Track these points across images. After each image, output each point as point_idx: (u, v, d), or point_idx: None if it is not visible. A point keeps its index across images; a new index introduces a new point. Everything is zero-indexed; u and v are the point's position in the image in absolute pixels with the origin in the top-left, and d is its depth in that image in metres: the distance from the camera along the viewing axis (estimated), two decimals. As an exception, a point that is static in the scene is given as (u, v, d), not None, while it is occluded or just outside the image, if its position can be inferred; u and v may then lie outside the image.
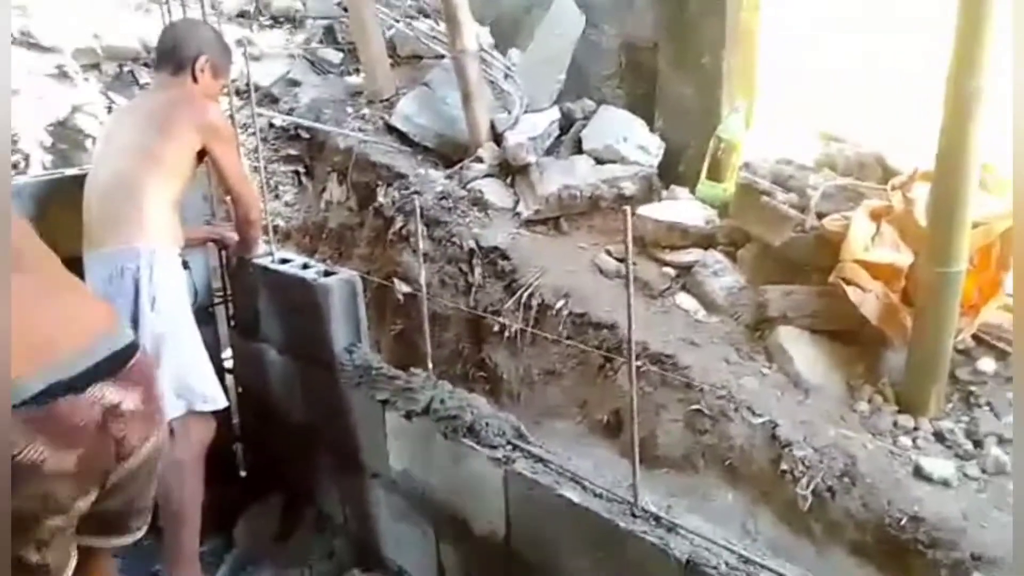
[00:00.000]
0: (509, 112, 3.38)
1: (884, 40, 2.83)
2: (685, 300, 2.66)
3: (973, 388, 2.15)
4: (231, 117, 3.19)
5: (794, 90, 3.05)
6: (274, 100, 3.74)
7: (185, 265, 2.31)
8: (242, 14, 4.34)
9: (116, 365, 1.42)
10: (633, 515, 1.71)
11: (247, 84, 2.83)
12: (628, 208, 1.68)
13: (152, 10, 3.85)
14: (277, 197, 3.61)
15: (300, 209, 3.63)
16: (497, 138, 3.34)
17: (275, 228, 3.51)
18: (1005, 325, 2.26)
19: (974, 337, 2.24)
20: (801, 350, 2.32)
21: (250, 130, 3.25)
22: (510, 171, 3.28)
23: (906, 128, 2.55)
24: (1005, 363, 2.21)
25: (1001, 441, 2.00)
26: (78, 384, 1.36)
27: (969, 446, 2.01)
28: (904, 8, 2.73)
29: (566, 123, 3.43)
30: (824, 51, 3.03)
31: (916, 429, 2.08)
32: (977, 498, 1.88)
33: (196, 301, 2.41)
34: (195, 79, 2.30)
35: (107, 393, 1.38)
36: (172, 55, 2.33)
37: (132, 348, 1.47)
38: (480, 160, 3.31)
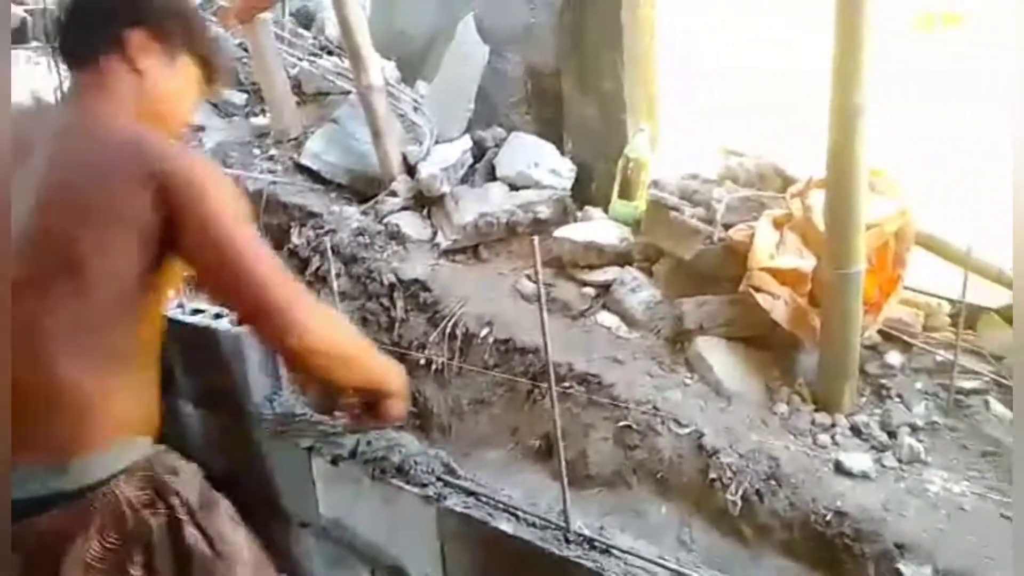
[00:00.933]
0: (420, 144, 3.38)
1: (779, 49, 2.97)
2: (606, 318, 2.69)
3: (883, 381, 2.24)
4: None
5: (694, 108, 3.17)
6: (177, 146, 3.64)
7: None
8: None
9: (17, 510, 1.12)
10: (567, 540, 1.71)
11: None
12: (535, 237, 1.70)
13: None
14: (187, 245, 3.50)
15: (212, 256, 3.52)
16: (410, 170, 3.33)
17: (187, 277, 3.40)
18: (906, 319, 2.37)
19: (880, 332, 2.33)
20: (719, 358, 2.38)
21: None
22: (425, 203, 3.27)
23: (801, 137, 2.67)
24: (910, 355, 2.31)
25: (913, 430, 2.09)
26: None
27: (884, 437, 2.09)
28: (795, 12, 2.85)
29: (478, 151, 3.45)
30: (721, 66, 3.16)
31: (833, 426, 2.15)
32: (896, 488, 1.95)
33: None
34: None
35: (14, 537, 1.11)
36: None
37: (39, 501, 1.14)
38: (394, 194, 3.30)
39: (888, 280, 2.28)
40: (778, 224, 2.37)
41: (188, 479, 1.31)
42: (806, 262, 2.29)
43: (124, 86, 1.29)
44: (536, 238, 1.60)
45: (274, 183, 3.41)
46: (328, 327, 1.28)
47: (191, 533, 1.25)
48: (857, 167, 2.03)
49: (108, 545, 1.17)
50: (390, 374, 1.51)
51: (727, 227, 2.49)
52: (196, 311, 2.58)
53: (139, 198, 1.15)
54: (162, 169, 1.17)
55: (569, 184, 3.23)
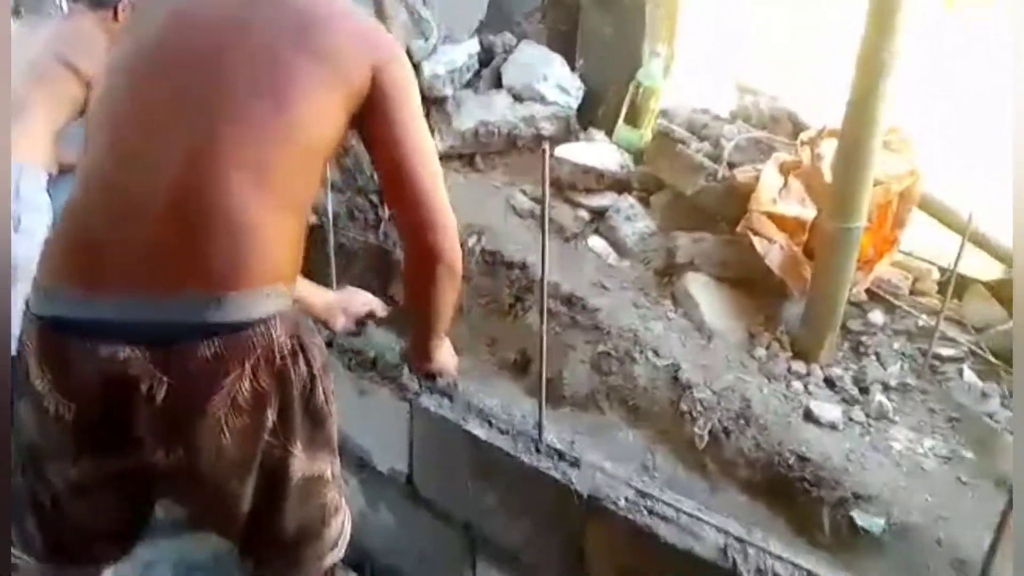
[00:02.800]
0: (426, 40, 3.23)
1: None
2: (598, 244, 2.66)
3: (863, 338, 2.26)
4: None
5: (714, 39, 3.06)
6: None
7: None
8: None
9: (163, 335, 1.11)
10: (538, 451, 1.72)
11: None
12: (547, 145, 1.64)
13: None
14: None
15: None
16: (414, 67, 3.20)
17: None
18: (895, 280, 2.38)
19: (867, 291, 2.34)
20: (706, 296, 2.37)
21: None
22: (426, 102, 3.14)
23: (820, 85, 2.60)
24: (893, 315, 2.33)
25: (885, 388, 2.12)
26: (93, 329, 1.11)
27: (856, 392, 2.12)
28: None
29: (486, 57, 3.31)
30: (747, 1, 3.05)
31: (808, 375, 2.17)
32: (860, 441, 1.99)
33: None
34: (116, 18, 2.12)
35: (125, 360, 1.10)
36: None
37: (195, 330, 1.12)
38: (395, 89, 3.17)
39: (884, 240, 2.28)
40: (785, 170, 2.33)
41: (320, 339, 1.31)
42: (807, 211, 2.26)
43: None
44: (548, 145, 1.54)
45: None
46: (457, 246, 1.42)
47: (321, 391, 1.27)
48: (874, 122, 1.99)
49: (258, 387, 1.16)
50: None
51: (732, 166, 2.44)
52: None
53: (361, 73, 1.25)
54: (387, 62, 1.30)
55: (576, 103, 3.13)
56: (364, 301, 1.87)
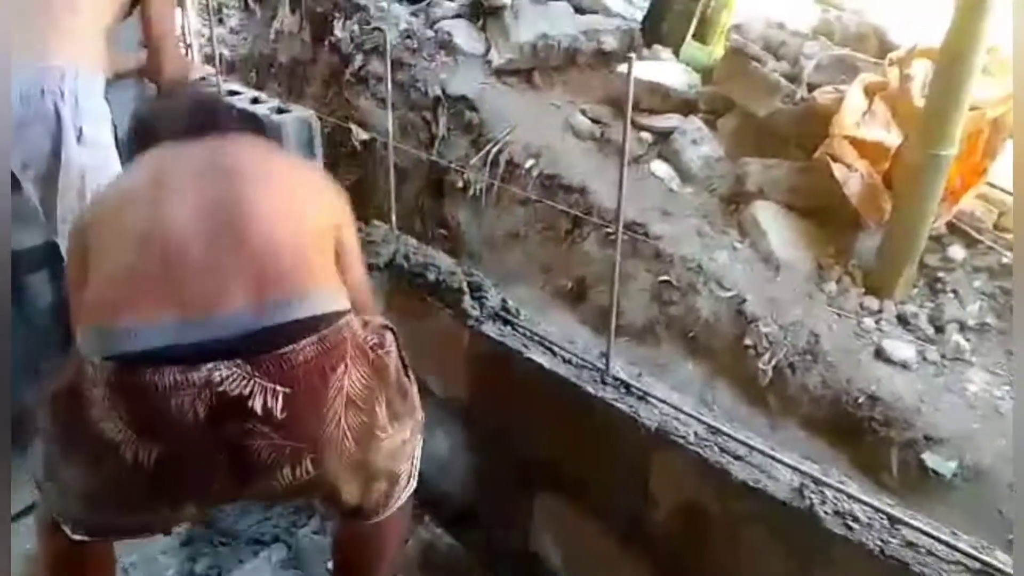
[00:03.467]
0: (484, -55, 3.06)
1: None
2: (661, 168, 2.55)
3: (941, 275, 2.15)
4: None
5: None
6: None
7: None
8: None
9: (259, 344, 1.05)
10: (603, 382, 1.68)
11: None
12: (632, 56, 1.53)
13: None
14: (221, 22, 3.26)
15: (247, 37, 3.29)
16: (467, -26, 3.05)
17: (219, 57, 3.19)
18: (979, 214, 2.25)
19: (948, 224, 2.22)
20: (775, 227, 2.27)
21: (190, -59, 2.87)
22: (482, 12, 3.01)
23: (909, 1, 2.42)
24: (974, 250, 2.21)
25: (962, 328, 2.03)
26: (179, 356, 1.02)
27: (931, 331, 2.03)
28: None
29: (545, -36, 3.13)
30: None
31: (881, 312, 2.09)
32: (934, 382, 1.92)
33: (117, 139, 2.16)
34: None
35: (226, 379, 1.02)
36: None
37: (288, 331, 1.07)
38: (450, -2, 3.03)
39: (973, 170, 2.13)
40: (870, 92, 2.18)
41: (388, 323, 1.31)
42: (892, 137, 2.13)
43: None
44: (633, 56, 1.43)
45: (320, -35, 3.12)
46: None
47: (407, 378, 1.29)
48: (978, 38, 1.83)
49: (363, 380, 1.13)
50: None
51: (812, 87, 2.29)
52: (232, 92, 2.42)
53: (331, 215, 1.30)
54: (340, 204, 1.34)
55: (641, 16, 2.96)
56: None
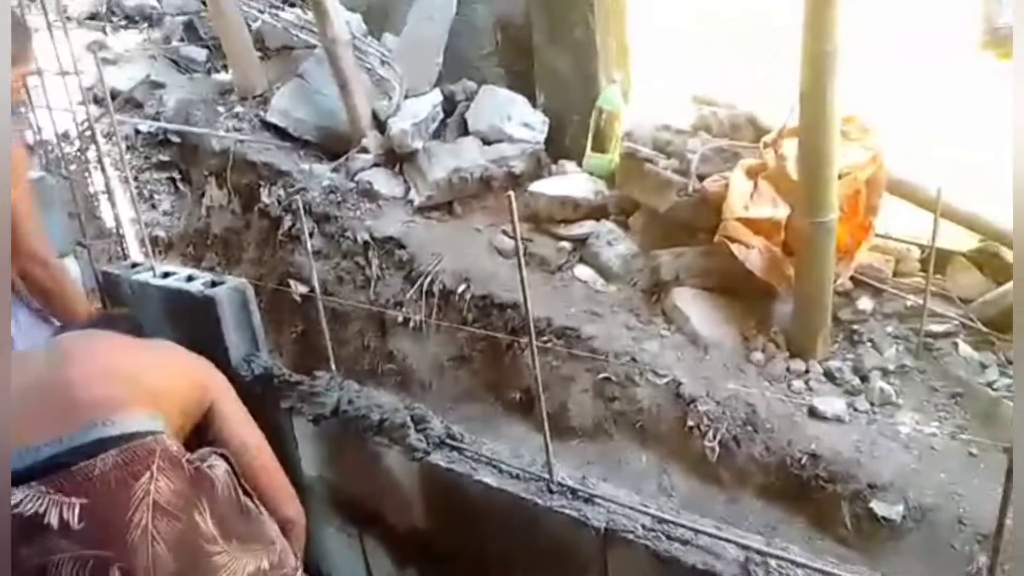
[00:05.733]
0: (389, 98, 3.31)
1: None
2: (583, 271, 2.70)
3: (855, 327, 2.29)
4: (90, 127, 3.00)
5: (666, 57, 3.13)
6: (138, 105, 3.52)
7: None
8: (93, 16, 4.06)
9: (60, 466, 1.12)
10: (550, 491, 1.73)
11: (103, 90, 2.65)
12: (511, 193, 1.68)
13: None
14: (153, 207, 3.42)
15: (180, 217, 3.45)
16: (380, 126, 3.27)
17: (154, 239, 3.34)
18: (877, 265, 2.41)
19: (852, 279, 2.37)
20: (696, 309, 2.40)
21: (113, 140, 3.06)
22: (397, 159, 3.22)
23: (776, 84, 2.66)
24: (880, 299, 2.35)
25: (885, 374, 2.14)
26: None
27: (857, 381, 2.14)
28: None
29: (449, 106, 3.39)
30: (693, 15, 3.12)
31: (807, 372, 2.20)
32: (868, 430, 2.00)
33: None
34: None
35: (21, 502, 1.07)
36: None
37: (89, 449, 1.14)
38: (365, 150, 3.24)
39: (860, 227, 2.31)
40: (752, 174, 2.37)
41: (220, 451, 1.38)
42: (780, 211, 2.30)
43: None
44: (512, 194, 1.58)
45: (241, 141, 3.32)
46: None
47: (252, 505, 1.33)
48: (828, 115, 2.03)
49: (172, 487, 1.17)
50: None
51: (701, 178, 2.49)
52: (166, 274, 2.53)
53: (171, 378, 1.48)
54: (201, 378, 1.59)
55: (542, 137, 3.20)
56: None
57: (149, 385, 1.33)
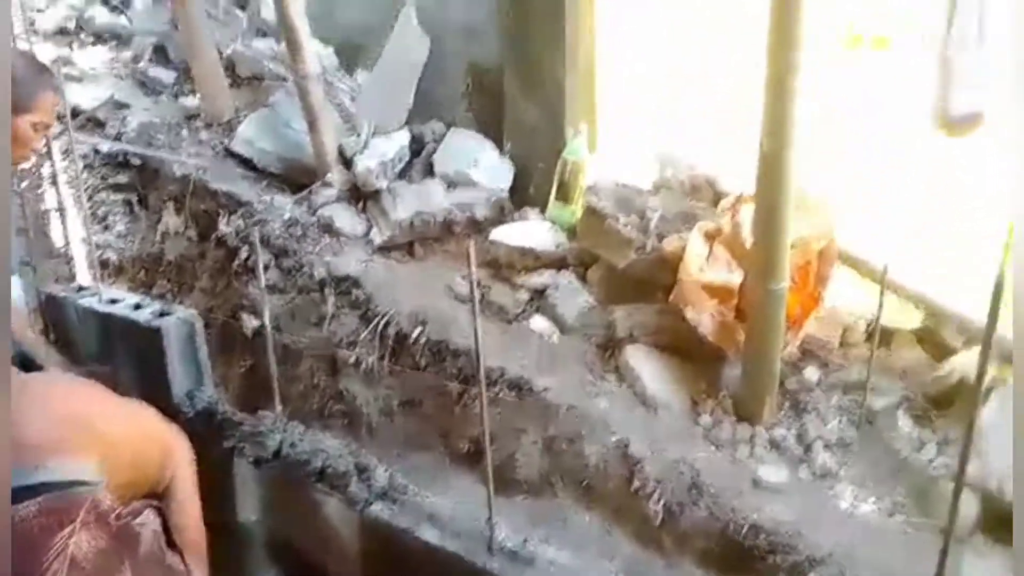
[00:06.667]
0: (357, 135, 3.31)
1: (720, 55, 3.01)
2: (539, 322, 2.70)
3: (801, 396, 2.32)
4: (47, 147, 2.94)
5: (633, 111, 3.19)
6: (99, 124, 3.46)
7: None
8: (61, 31, 4.00)
9: None
10: (490, 551, 1.71)
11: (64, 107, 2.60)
12: (472, 243, 1.69)
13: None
14: (107, 228, 3.34)
15: (134, 240, 3.38)
16: (346, 162, 3.26)
17: (104, 262, 3.26)
18: (824, 336, 2.46)
19: (800, 348, 2.41)
20: (648, 367, 2.42)
21: (70, 157, 2.99)
22: (361, 196, 3.21)
23: (738, 146, 2.72)
24: (827, 371, 2.40)
25: (827, 445, 2.17)
26: None
27: (800, 451, 2.17)
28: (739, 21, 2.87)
29: (417, 146, 3.40)
30: (662, 72, 3.19)
31: (753, 438, 2.22)
32: (809, 501, 2.03)
33: None
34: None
35: None
36: None
37: (17, 493, 1.10)
38: (329, 185, 3.22)
39: (809, 297, 2.36)
40: (709, 237, 2.42)
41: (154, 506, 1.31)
42: (734, 276, 2.34)
43: None
44: (472, 243, 1.59)
45: (202, 168, 3.28)
46: None
47: (177, 560, 1.29)
48: (785, 187, 2.08)
49: (93, 544, 1.12)
50: None
51: (660, 237, 2.52)
52: (112, 300, 2.47)
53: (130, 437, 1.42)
54: (167, 445, 1.50)
55: (507, 184, 3.22)
56: None
57: (100, 434, 1.27)
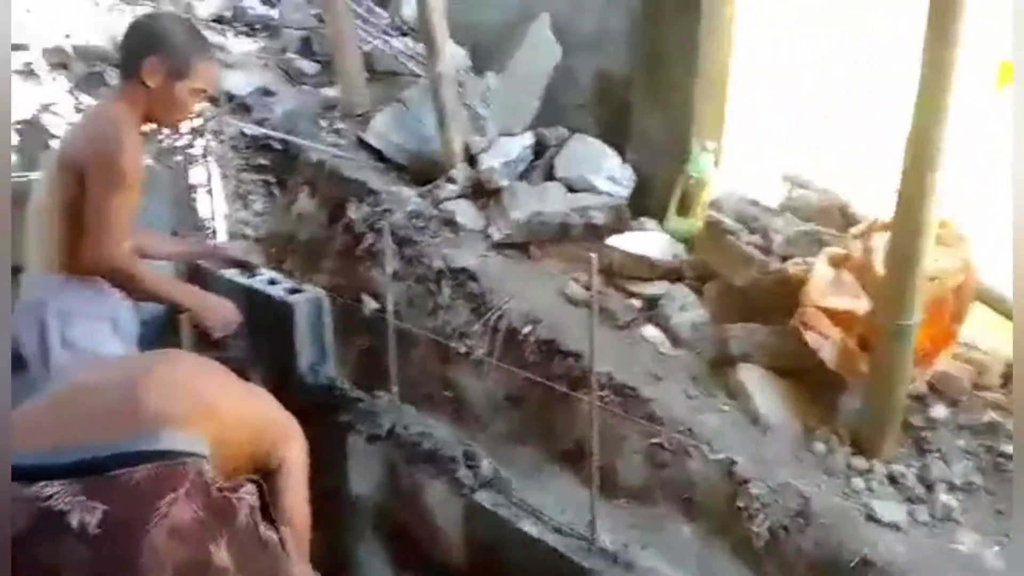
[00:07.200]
0: (483, 135, 3.40)
1: (858, 85, 2.92)
2: (651, 332, 2.69)
3: (925, 434, 2.21)
4: (203, 126, 3.17)
5: (763, 131, 3.13)
6: (247, 109, 3.70)
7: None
8: (218, 19, 4.30)
9: (98, 470, 1.13)
10: (590, 551, 1.73)
11: (219, 92, 2.81)
12: (595, 256, 1.71)
13: (126, 11, 3.79)
14: (246, 206, 3.57)
15: (269, 220, 3.60)
16: (471, 160, 3.36)
17: (244, 237, 3.48)
18: (956, 373, 2.34)
19: (929, 386, 2.31)
20: (761, 389, 2.37)
21: (220, 138, 3.22)
22: (482, 194, 3.29)
23: (871, 175, 2.63)
24: (957, 411, 2.28)
25: (951, 488, 2.07)
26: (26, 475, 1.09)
27: (920, 490, 2.07)
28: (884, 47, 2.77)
29: (539, 149, 3.46)
30: (796, 95, 3.12)
31: (870, 471, 2.14)
32: (925, 543, 1.94)
33: (145, 331, 2.31)
34: (145, 84, 2.02)
35: (52, 496, 1.07)
36: (121, 58, 2.10)
37: (128, 459, 1.15)
38: (453, 181, 3.32)
39: (943, 333, 2.25)
40: (836, 263, 2.35)
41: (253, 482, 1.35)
42: (861, 304, 2.26)
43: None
44: (595, 257, 1.61)
45: (337, 156, 3.46)
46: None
47: (266, 523, 1.29)
48: (926, 220, 2.00)
49: (194, 514, 1.16)
50: None
51: (784, 259, 2.47)
52: (252, 274, 2.65)
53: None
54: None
55: (627, 192, 3.23)
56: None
57: (217, 413, 1.33)
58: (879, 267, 2.21)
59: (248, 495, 1.30)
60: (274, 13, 4.43)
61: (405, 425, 2.14)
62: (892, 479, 2.11)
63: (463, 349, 2.90)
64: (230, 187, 3.03)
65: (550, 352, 2.70)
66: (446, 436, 2.12)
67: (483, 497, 1.93)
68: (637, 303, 2.82)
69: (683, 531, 2.18)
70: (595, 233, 3.10)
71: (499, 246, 3.15)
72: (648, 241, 2.98)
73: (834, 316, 2.23)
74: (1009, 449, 2.14)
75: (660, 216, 3.14)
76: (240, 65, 3.98)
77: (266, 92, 3.77)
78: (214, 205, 3.14)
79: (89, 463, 1.14)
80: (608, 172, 3.27)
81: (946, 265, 2.19)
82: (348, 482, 2.24)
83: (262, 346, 2.48)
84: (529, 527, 1.82)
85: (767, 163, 3.03)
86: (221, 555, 1.17)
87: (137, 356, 1.48)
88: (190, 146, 3.42)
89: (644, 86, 3.34)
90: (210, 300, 2.21)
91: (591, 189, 3.22)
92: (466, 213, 3.24)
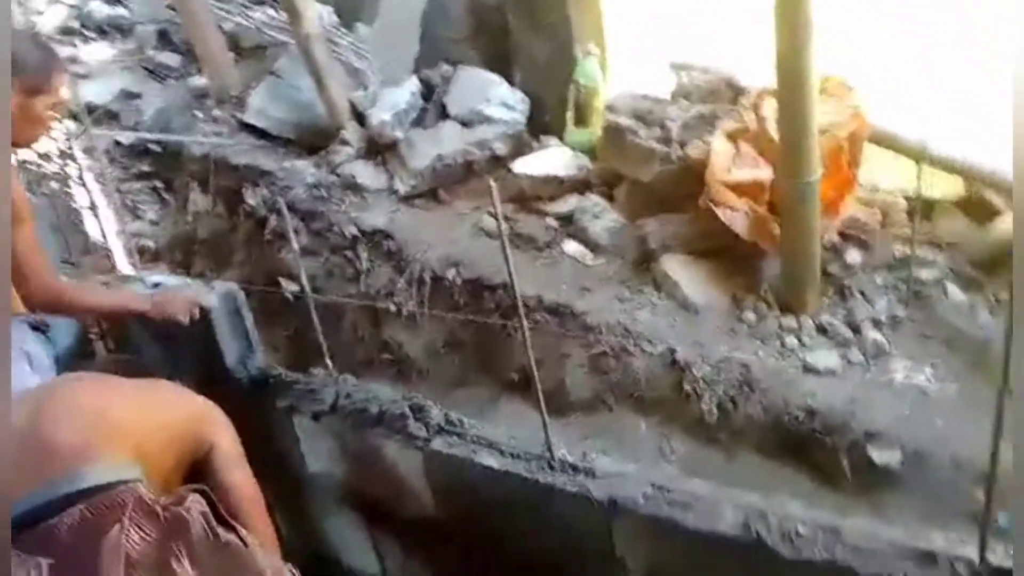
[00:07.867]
0: (366, 89, 3.29)
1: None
2: (572, 247, 2.70)
3: (845, 280, 2.29)
4: (69, 147, 2.99)
5: (641, 27, 3.11)
6: (114, 117, 3.50)
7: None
8: (64, 30, 4.03)
9: (30, 523, 1.10)
10: (551, 468, 1.75)
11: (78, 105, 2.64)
12: (493, 182, 1.67)
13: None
14: (139, 217, 3.41)
15: (166, 225, 3.45)
16: (359, 118, 3.26)
17: (142, 249, 3.33)
18: (863, 217, 2.41)
19: (839, 233, 2.37)
20: (685, 274, 2.41)
21: (93, 154, 3.05)
22: (378, 149, 3.20)
23: (751, 45, 2.64)
24: (869, 252, 2.36)
25: (877, 324, 2.15)
26: None
27: (849, 334, 2.15)
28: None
29: (427, 91, 3.37)
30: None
31: (799, 328, 2.21)
32: (863, 381, 2.02)
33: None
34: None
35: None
36: None
37: (58, 503, 1.12)
38: (346, 143, 3.22)
39: (844, 181, 2.31)
40: (733, 137, 2.37)
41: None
42: (763, 172, 2.30)
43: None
44: (494, 184, 1.58)
45: (220, 145, 3.31)
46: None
47: (223, 528, 1.27)
48: (805, 77, 2.01)
49: (147, 538, 1.14)
50: None
51: (683, 145, 2.48)
52: (155, 284, 2.53)
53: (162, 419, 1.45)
54: (195, 412, 1.52)
55: (523, 116, 3.18)
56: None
57: (132, 429, 1.30)
58: (774, 133, 2.24)
59: (196, 504, 1.24)
60: (124, 12, 4.17)
61: (347, 395, 2.10)
62: (822, 329, 2.18)
63: (392, 308, 2.87)
64: (115, 201, 2.88)
65: (477, 289, 2.69)
66: (391, 395, 2.09)
67: (439, 444, 1.92)
68: (554, 222, 2.81)
69: (639, 427, 2.23)
70: (500, 163, 3.06)
71: (407, 199, 3.08)
72: (552, 159, 2.96)
73: (740, 188, 2.26)
74: (926, 275, 2.22)
75: (560, 132, 3.12)
76: (98, 73, 3.75)
77: (130, 95, 3.57)
78: (102, 224, 2.98)
79: (21, 517, 1.08)
80: (500, 100, 3.21)
81: (836, 117, 2.22)
82: (305, 464, 2.20)
83: (185, 352, 2.40)
84: (489, 460, 1.82)
85: (652, 56, 3.01)
86: (185, 570, 1.15)
87: (33, 391, 1.39)
88: (62, 169, 3.23)
89: (519, 8, 3.27)
90: (161, 293, 2.16)
91: (486, 120, 3.15)
92: (366, 173, 3.15)
